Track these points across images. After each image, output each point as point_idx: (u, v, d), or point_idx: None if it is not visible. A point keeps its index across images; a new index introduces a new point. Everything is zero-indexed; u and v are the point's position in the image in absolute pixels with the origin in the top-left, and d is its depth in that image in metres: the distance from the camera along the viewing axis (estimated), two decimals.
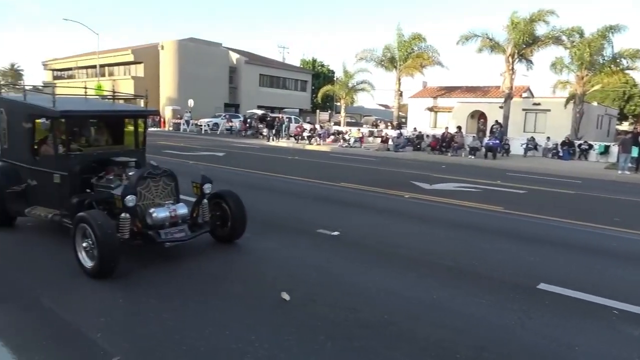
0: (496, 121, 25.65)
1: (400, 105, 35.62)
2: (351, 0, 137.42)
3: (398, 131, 28.21)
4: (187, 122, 35.74)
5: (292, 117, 36.23)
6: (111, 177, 5.72)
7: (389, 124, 36.85)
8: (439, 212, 8.94)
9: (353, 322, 4.04)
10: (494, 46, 26.48)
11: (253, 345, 3.57)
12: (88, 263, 4.77)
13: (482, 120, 29.84)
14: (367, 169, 16.20)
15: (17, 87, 6.25)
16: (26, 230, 6.61)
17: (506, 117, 26.56)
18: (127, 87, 35.63)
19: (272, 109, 44.22)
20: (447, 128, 25.64)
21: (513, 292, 4.89)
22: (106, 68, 47.66)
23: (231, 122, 36.08)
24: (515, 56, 26.15)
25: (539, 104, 30.55)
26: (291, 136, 30.08)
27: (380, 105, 67.20)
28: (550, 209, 9.55)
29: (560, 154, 23.63)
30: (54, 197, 5.86)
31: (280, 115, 33.61)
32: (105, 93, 15.63)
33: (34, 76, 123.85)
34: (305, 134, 28.96)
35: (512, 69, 26.39)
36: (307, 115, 44.93)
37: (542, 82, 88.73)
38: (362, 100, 48.55)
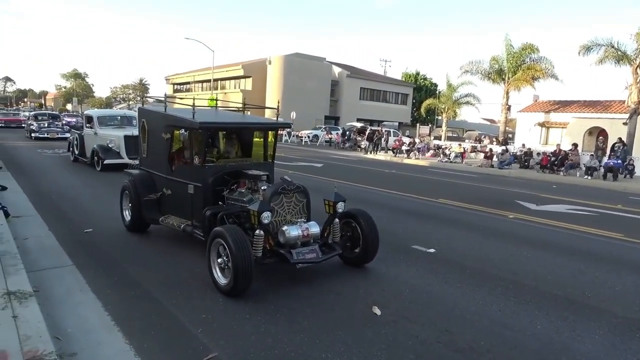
0: (619, 139, 23.16)
1: (507, 119, 33.75)
2: (457, 12, 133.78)
3: (503, 147, 26.70)
4: (289, 133, 37.17)
5: (391, 130, 36.02)
6: (243, 191, 5.64)
7: (493, 139, 35.04)
8: (547, 236, 8.27)
9: (446, 345, 3.88)
10: (620, 56, 24.04)
11: (342, 357, 3.59)
12: (222, 280, 4.68)
13: (601, 137, 27.09)
14: (467, 186, 15.53)
15: (159, 99, 6.81)
16: (149, 233, 7.29)
17: (631, 135, 23.92)
18: (236, 100, 38.04)
19: (372, 122, 44.35)
20: (558, 145, 23.73)
21: (633, 330, 4.37)
22: (219, 82, 51.34)
23: (330, 134, 36.83)
24: None
25: None
26: (389, 149, 29.87)
27: (484, 119, 64.28)
28: None
29: None
30: (186, 207, 5.88)
31: (380, 129, 33.60)
32: (214, 103, 16.73)
33: (158, 89, 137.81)
34: (404, 147, 28.58)
35: None
36: (407, 129, 44.37)
37: None
38: (465, 114, 46.94)
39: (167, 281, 5.07)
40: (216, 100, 8.05)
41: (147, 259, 5.85)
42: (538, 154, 24.38)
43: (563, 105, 32.56)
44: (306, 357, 3.57)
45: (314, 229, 5.14)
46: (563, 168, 21.75)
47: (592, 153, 23.39)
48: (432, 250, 6.73)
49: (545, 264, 6.42)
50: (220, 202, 5.71)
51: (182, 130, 5.74)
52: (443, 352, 3.76)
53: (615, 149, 22.50)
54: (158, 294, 4.70)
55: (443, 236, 7.72)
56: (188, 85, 59.11)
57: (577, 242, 7.88)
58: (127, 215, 7.01)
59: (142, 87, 78.66)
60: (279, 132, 7.28)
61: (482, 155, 26.57)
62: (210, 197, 5.65)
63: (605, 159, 21.82)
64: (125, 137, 13.95)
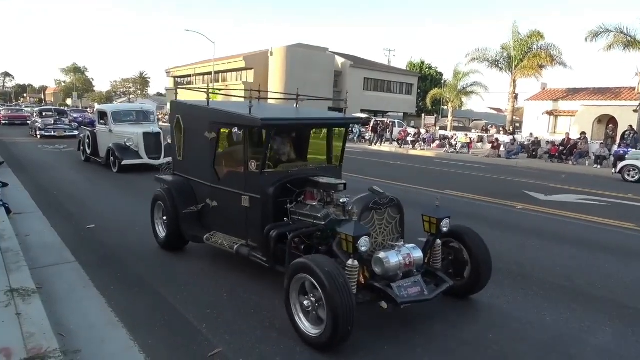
0: (630, 127, 23.01)
1: (514, 108, 33.55)
2: (464, 1, 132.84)
3: (511, 136, 26.58)
4: None
5: (396, 121, 35.91)
6: (315, 204, 4.65)
7: (500, 128, 34.86)
8: (555, 226, 8.24)
9: (453, 337, 3.89)
10: (629, 42, 23.79)
11: (348, 350, 3.60)
12: (310, 330, 3.69)
13: (611, 125, 26.88)
14: (474, 177, 15.48)
15: (200, 90, 5.77)
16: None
17: None
18: (238, 93, 38.00)
19: (376, 113, 44.22)
20: (567, 134, 23.60)
21: None
22: (220, 74, 51.27)
23: None
24: None
25: None
26: (394, 141, 29.81)
27: (491, 108, 63.93)
28: None
29: None
30: (239, 223, 4.97)
31: (386, 120, 33.46)
32: (216, 97, 16.01)
33: (158, 83, 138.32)
34: (409, 138, 28.50)
35: None
36: (412, 119, 44.22)
37: None
38: (472, 103, 46.61)
39: (170, 277, 5.11)
40: (259, 91, 6.55)
41: (149, 254, 5.88)
42: (547, 142, 24.25)
43: (571, 93, 32.31)
44: (312, 352, 3.59)
45: (417, 254, 4.11)
46: (572, 157, 21.64)
47: (602, 141, 23.24)
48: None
49: (553, 255, 6.40)
50: (284, 219, 4.75)
51: (235, 129, 4.68)
52: (450, 345, 3.77)
53: (626, 137, 22.32)
54: (162, 289, 4.74)
55: None
56: (189, 78, 59.07)
57: (587, 233, 7.85)
58: (161, 230, 6.09)
59: (142, 81, 78.68)
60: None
61: (489, 145, 26.48)
62: (271, 211, 4.70)
63: (615, 148, 21.67)
64: (145, 134, 13.06)
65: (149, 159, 13.00)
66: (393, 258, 3.92)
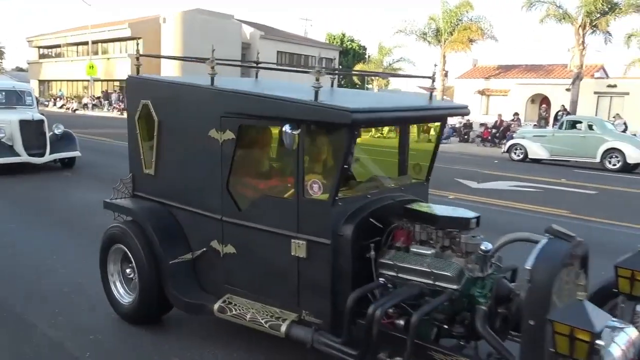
0: (562, 106, 25.17)
1: (445, 87, 35.32)
2: None
3: None
4: None
5: None
6: (428, 252, 3.30)
7: None
8: (489, 216, 8.74)
9: None
10: (562, 15, 25.96)
11: None
12: None
13: (544, 105, 29.26)
14: None
15: (193, 60, 4.43)
16: (12, 234, 6.82)
17: (574, 102, 26.05)
18: (122, 68, 36.38)
19: None
20: (500, 115, 25.29)
21: None
22: (99, 45, 48.77)
23: None
24: (587, 27, 25.57)
25: (614, 85, 29.80)
26: None
27: (420, 87, 66.75)
28: (625, 213, 9.34)
29: None
30: (284, 284, 3.60)
31: None
32: (94, 72, 15.17)
33: (16, 55, 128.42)
34: None
35: (583, 43, 25.81)
36: None
37: (620, 58, 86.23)
38: (399, 82, 48.31)
39: (40, 297, 4.82)
40: (257, 62, 5.39)
41: (12, 267, 5.54)
42: (482, 124, 25.79)
43: (504, 70, 34.67)
44: None
45: (634, 334, 2.81)
46: (505, 140, 23.23)
47: (535, 123, 25.18)
48: None
49: None
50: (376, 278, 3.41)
51: (287, 127, 3.25)
52: None
53: (558, 117, 24.38)
54: (29, 313, 4.46)
55: None
56: (59, 49, 55.71)
57: (522, 222, 8.49)
58: (123, 293, 4.47)
59: None
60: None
61: None
62: (351, 266, 3.32)
63: (549, 129, 23.60)
64: (22, 122, 11.65)
65: (28, 156, 11.67)
66: (614, 350, 2.59)
